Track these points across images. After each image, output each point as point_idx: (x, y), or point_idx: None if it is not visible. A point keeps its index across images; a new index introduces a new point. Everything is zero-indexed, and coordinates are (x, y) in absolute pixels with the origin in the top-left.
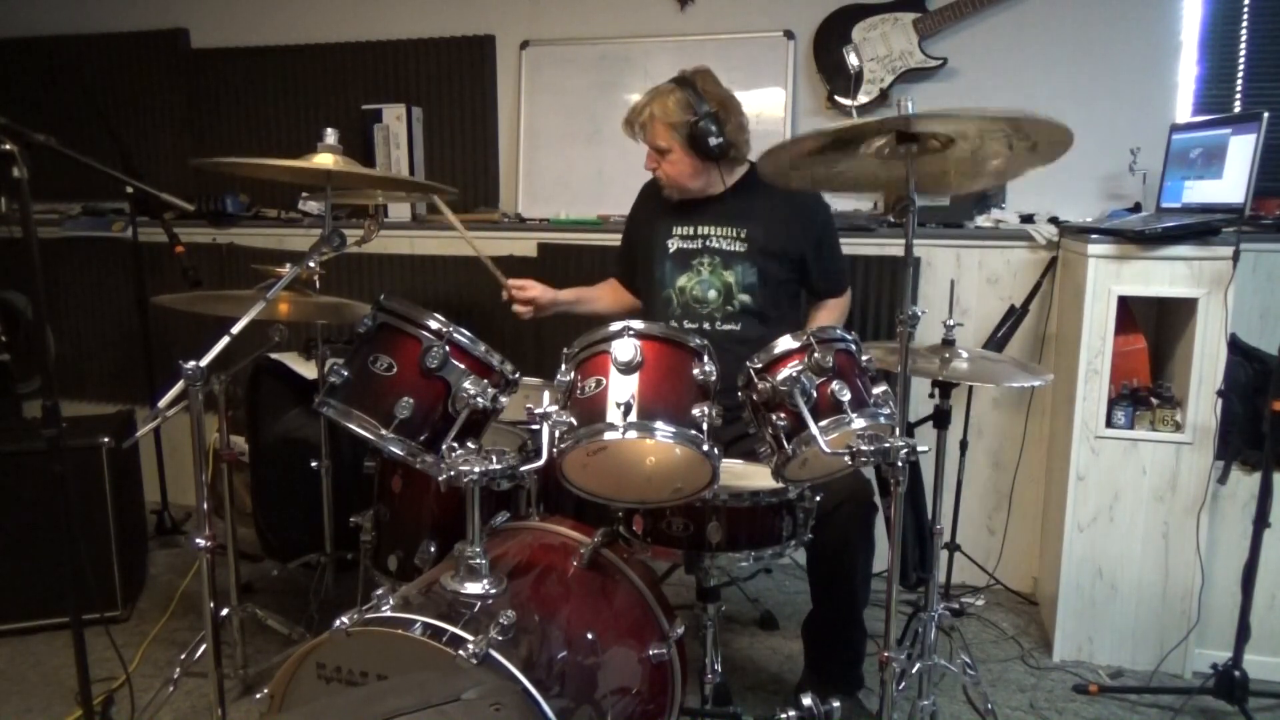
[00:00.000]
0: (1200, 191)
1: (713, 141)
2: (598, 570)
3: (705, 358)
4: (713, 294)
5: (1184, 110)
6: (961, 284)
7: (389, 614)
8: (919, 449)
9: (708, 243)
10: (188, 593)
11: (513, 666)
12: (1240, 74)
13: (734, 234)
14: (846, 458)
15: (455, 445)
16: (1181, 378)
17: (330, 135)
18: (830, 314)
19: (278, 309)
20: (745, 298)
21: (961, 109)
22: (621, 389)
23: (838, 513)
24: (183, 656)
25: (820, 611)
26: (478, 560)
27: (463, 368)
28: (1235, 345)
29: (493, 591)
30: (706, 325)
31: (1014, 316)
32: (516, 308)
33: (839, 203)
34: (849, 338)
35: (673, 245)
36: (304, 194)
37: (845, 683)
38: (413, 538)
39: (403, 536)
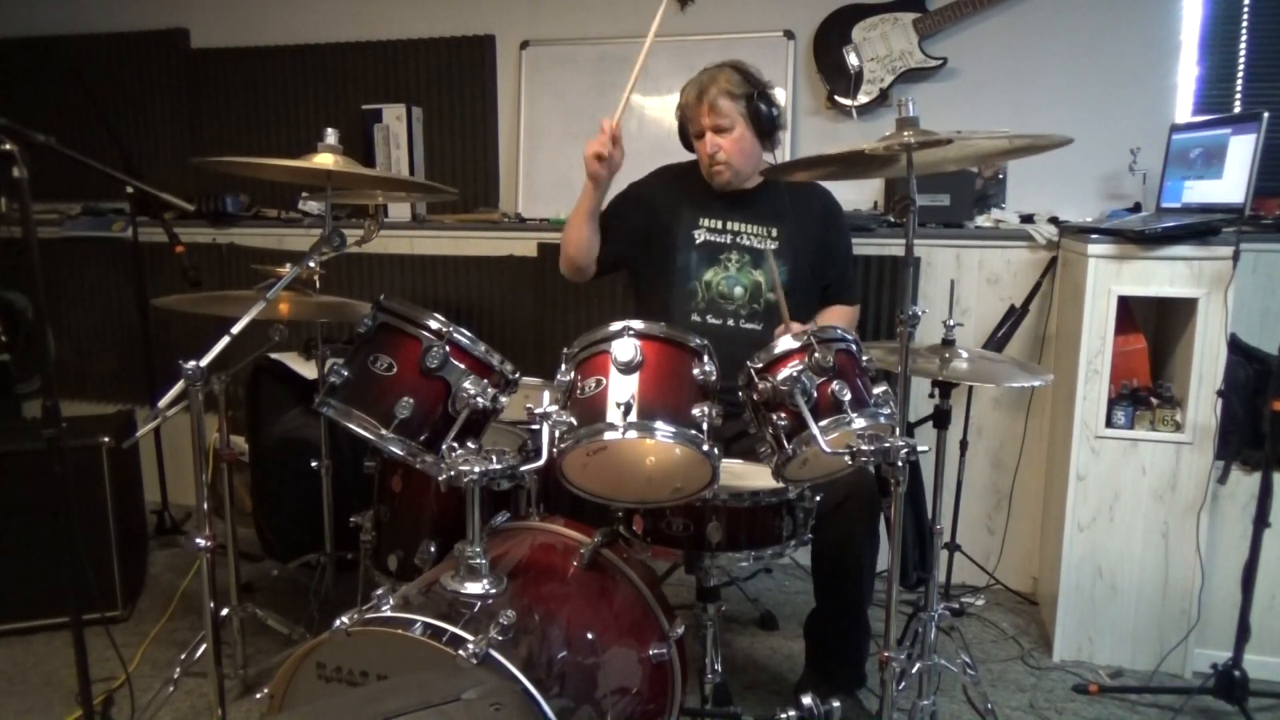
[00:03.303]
0: (1200, 191)
1: (772, 114)
2: (598, 570)
3: (705, 358)
4: (739, 290)
5: (1184, 110)
6: (961, 284)
7: (389, 614)
8: (919, 449)
9: (738, 239)
10: (188, 593)
11: (513, 666)
12: (1240, 74)
13: (765, 232)
14: (847, 457)
15: (455, 445)
16: (1181, 378)
17: (330, 135)
18: (836, 319)
19: (278, 309)
20: (772, 297)
21: (969, 131)
22: (621, 389)
23: (842, 508)
24: (183, 656)
25: (824, 609)
26: (478, 560)
27: (463, 368)
28: (1235, 345)
29: (493, 591)
30: (730, 322)
31: (1014, 316)
32: (597, 147)
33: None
34: (849, 337)
35: (699, 236)
36: (304, 194)
37: (848, 681)
38: (413, 538)
39: (403, 536)
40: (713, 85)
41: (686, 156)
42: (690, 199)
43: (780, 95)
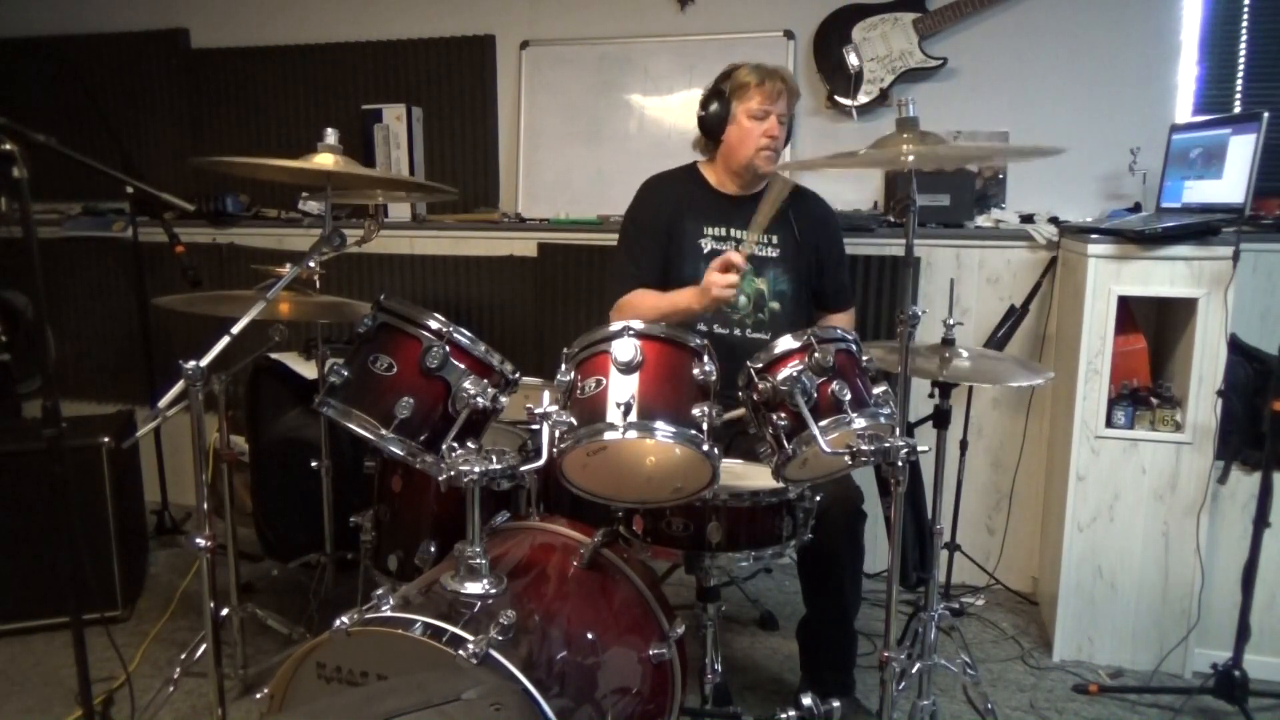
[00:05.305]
0: (1200, 191)
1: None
2: (598, 570)
3: (705, 358)
4: (743, 300)
5: (1184, 110)
6: (961, 284)
7: (389, 614)
8: (919, 449)
9: (740, 247)
10: (188, 593)
11: (513, 666)
12: (1240, 74)
13: (765, 239)
14: (847, 457)
15: (455, 445)
16: (1181, 378)
17: (330, 135)
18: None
19: (278, 309)
20: (776, 305)
21: (958, 146)
22: (621, 389)
23: (824, 519)
24: (183, 656)
25: (812, 615)
26: (478, 560)
27: (463, 368)
28: (1235, 345)
29: (493, 591)
30: (736, 331)
31: (1014, 316)
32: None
33: (838, 203)
34: (849, 337)
35: (706, 245)
36: (304, 194)
37: (837, 686)
38: (413, 538)
39: (403, 536)
40: (787, 79)
41: (668, 163)
42: (691, 208)
43: None
